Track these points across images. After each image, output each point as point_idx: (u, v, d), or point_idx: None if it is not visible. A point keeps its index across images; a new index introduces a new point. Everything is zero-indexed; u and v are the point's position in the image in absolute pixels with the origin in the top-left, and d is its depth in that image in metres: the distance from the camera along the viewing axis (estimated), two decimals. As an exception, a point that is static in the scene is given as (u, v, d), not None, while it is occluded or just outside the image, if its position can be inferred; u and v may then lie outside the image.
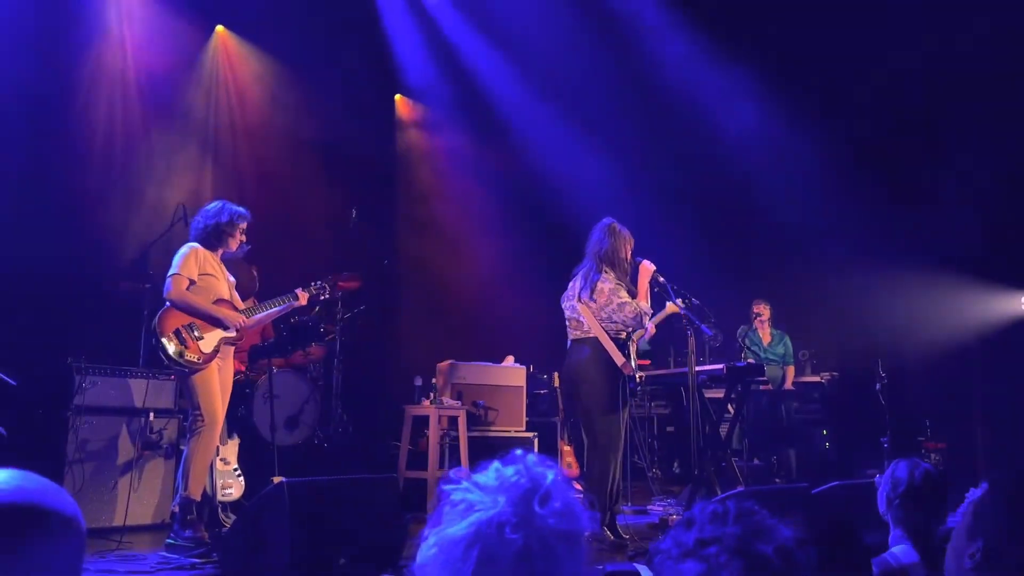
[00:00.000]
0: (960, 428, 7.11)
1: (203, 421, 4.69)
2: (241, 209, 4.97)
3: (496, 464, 1.16)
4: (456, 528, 1.10)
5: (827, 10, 7.41)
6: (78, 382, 5.25)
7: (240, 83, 7.29)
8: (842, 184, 8.02)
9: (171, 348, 4.63)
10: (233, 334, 4.86)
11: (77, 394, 5.21)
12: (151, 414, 5.46)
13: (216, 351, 4.75)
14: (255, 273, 6.03)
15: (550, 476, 1.14)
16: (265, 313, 5.10)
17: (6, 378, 3.48)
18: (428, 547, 1.13)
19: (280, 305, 5.11)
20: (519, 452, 1.18)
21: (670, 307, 5.53)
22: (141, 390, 5.47)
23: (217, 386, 4.77)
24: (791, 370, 7.88)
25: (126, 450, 5.39)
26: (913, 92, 7.84)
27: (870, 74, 7.97)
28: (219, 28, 7.44)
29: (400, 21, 8.29)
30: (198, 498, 4.75)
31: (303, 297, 5.14)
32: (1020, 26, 6.94)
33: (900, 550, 2.73)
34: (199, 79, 7.00)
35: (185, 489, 4.68)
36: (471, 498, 1.12)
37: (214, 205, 4.95)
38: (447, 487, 1.16)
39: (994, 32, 7.11)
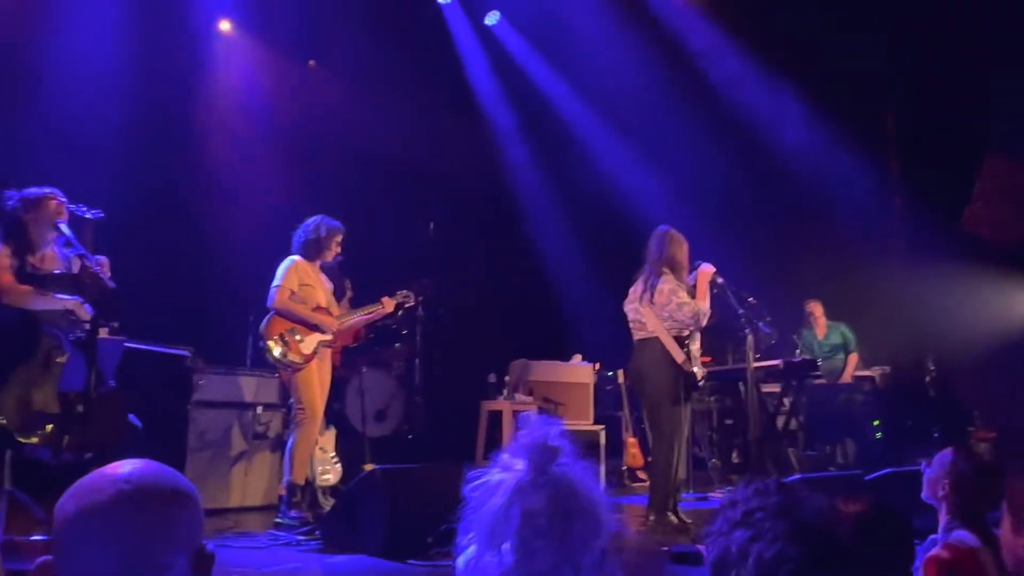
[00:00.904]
0: (1009, 419, 6.87)
1: (304, 414, 4.94)
2: (336, 223, 5.17)
3: (504, 456, 1.21)
4: (491, 501, 1.17)
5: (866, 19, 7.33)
6: (196, 380, 5.53)
7: (330, 109, 7.54)
8: (887, 180, 7.87)
9: (276, 351, 4.89)
10: (329, 337, 5.08)
11: (195, 391, 5.50)
12: (259, 408, 5.67)
13: (315, 352, 4.98)
14: (348, 284, 6.25)
15: (552, 432, 1.21)
16: (356, 319, 5.34)
17: (176, 351, 3.65)
18: (469, 540, 1.20)
19: (369, 312, 5.34)
20: (530, 415, 1.27)
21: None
22: (250, 386, 5.70)
23: (317, 383, 5.01)
24: (853, 358, 7.60)
25: (238, 440, 5.63)
26: (954, 87, 7.62)
27: (909, 72, 7.80)
28: (311, 62, 7.75)
29: (469, 44, 8.46)
30: (302, 482, 4.99)
31: (389, 304, 5.36)
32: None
33: (959, 536, 2.71)
34: (295, 107, 7.26)
35: (290, 474, 4.92)
36: (492, 480, 1.20)
37: (313, 220, 5.13)
38: (467, 490, 1.22)
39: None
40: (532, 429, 1.20)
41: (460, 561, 1.20)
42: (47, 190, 3.70)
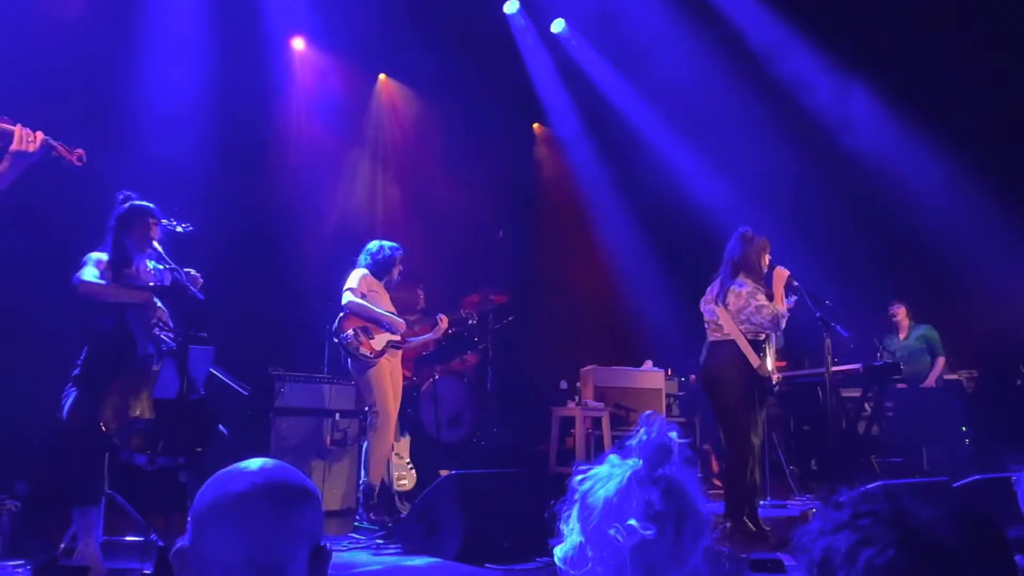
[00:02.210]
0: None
1: (378, 417, 5.09)
2: (395, 245, 5.41)
3: (611, 456, 1.27)
4: (605, 490, 1.22)
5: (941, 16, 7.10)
6: (277, 388, 5.73)
7: (400, 121, 7.70)
8: (974, 181, 7.58)
9: (349, 335, 5.12)
10: (397, 338, 5.27)
11: (277, 398, 5.70)
12: (337, 415, 5.84)
13: (384, 350, 5.18)
14: (420, 293, 6.37)
15: (669, 433, 1.26)
16: (419, 340, 5.58)
17: (239, 387, 3.84)
18: (571, 530, 1.26)
19: (428, 334, 5.58)
20: (648, 414, 1.31)
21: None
22: (328, 394, 5.88)
23: (389, 385, 5.18)
24: (940, 361, 7.38)
25: (317, 445, 5.81)
26: None
27: (993, 69, 7.50)
28: (381, 76, 7.93)
29: (537, 55, 8.51)
30: (377, 484, 5.12)
31: (444, 322, 5.56)
32: None
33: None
34: (369, 120, 7.44)
35: (367, 476, 5.07)
36: (602, 472, 1.25)
37: (373, 245, 5.40)
38: (575, 479, 1.29)
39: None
40: (651, 429, 1.25)
41: (560, 551, 1.25)
42: (146, 205, 3.89)
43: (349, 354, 5.17)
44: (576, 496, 1.26)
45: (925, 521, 1.27)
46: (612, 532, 1.17)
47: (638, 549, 1.17)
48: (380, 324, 5.20)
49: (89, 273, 3.70)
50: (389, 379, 5.19)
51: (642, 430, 1.26)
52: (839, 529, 1.28)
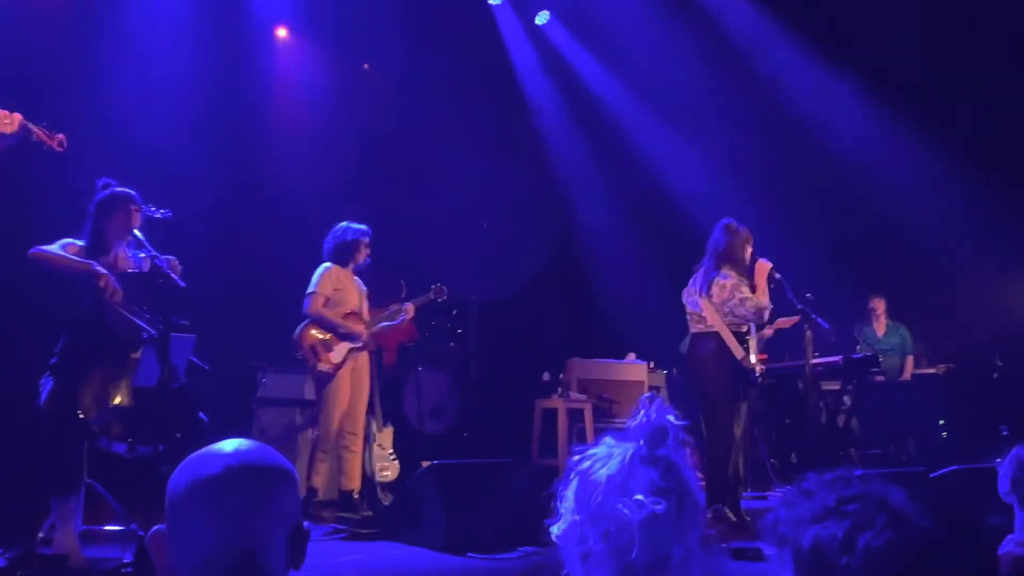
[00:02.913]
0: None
1: (320, 430, 5.14)
2: (362, 227, 5.29)
3: (607, 439, 1.27)
4: (607, 468, 1.23)
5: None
6: (259, 378, 5.69)
7: (384, 110, 7.64)
8: (951, 179, 7.67)
9: (308, 362, 5.13)
10: (359, 344, 5.21)
11: (259, 388, 5.66)
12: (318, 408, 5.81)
13: (345, 360, 5.13)
14: (404, 284, 6.33)
15: (670, 417, 1.26)
16: (383, 326, 5.44)
17: (199, 362, 3.78)
18: (566, 480, 1.27)
19: (395, 319, 5.46)
20: (648, 396, 1.31)
21: (782, 321, 5.48)
22: (309, 385, 5.83)
23: (343, 400, 5.12)
24: (910, 360, 7.54)
25: (298, 435, 5.78)
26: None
27: (976, 73, 7.58)
28: (365, 66, 7.88)
29: (520, 44, 8.50)
30: (319, 488, 5.15)
31: (410, 309, 5.50)
32: None
33: (1024, 534, 2.67)
34: (350, 110, 7.38)
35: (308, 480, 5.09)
36: (601, 452, 1.25)
37: (339, 226, 5.29)
38: (575, 456, 1.29)
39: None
40: (651, 411, 1.26)
41: (557, 529, 1.25)
42: (127, 192, 3.83)
43: (307, 369, 5.18)
44: (573, 475, 1.26)
45: (900, 502, 1.29)
46: (620, 507, 1.18)
47: (646, 523, 1.18)
48: (338, 335, 5.12)
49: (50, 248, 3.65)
50: (347, 389, 5.12)
51: (642, 412, 1.26)
52: (826, 517, 1.28)
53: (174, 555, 1.23)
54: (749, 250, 5.18)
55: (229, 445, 1.25)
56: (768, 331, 5.62)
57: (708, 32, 7.92)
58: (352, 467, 5.18)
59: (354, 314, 5.23)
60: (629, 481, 1.20)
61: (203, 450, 1.25)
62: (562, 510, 1.26)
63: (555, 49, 8.57)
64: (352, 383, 5.17)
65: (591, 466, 1.24)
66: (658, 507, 1.17)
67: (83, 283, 3.67)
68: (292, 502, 1.26)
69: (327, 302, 5.13)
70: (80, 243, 3.75)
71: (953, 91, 7.91)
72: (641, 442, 1.23)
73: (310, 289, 5.12)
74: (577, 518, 1.22)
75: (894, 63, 7.70)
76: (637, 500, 1.17)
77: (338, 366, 5.10)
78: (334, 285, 5.16)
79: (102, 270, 3.61)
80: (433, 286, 5.62)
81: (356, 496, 5.15)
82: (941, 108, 7.88)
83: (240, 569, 1.19)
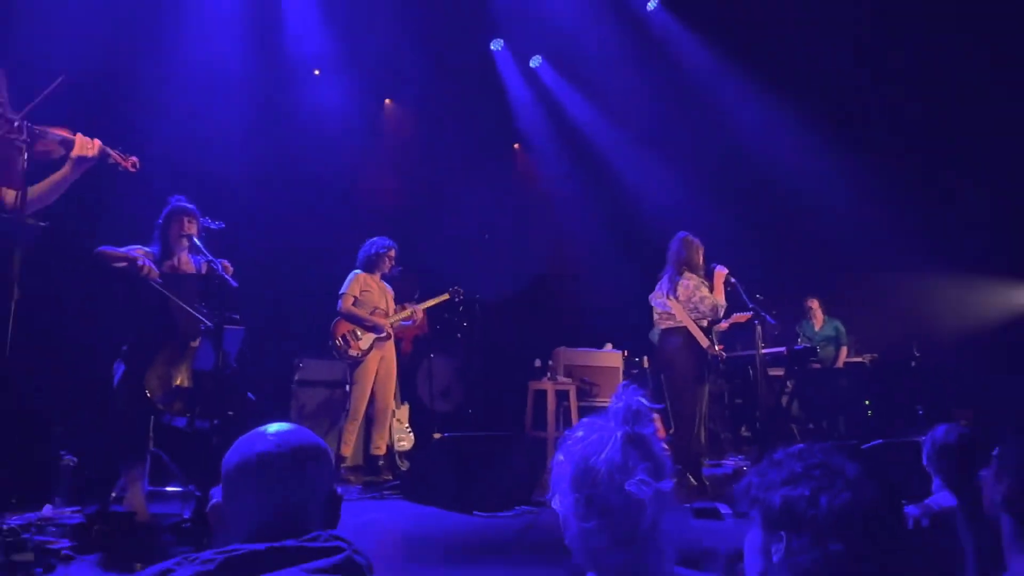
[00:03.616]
0: (984, 397, 6.64)
1: (351, 405, 5.15)
2: (387, 242, 5.35)
3: (588, 421, 1.27)
4: (586, 443, 1.23)
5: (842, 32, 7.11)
6: (296, 363, 5.65)
7: (404, 140, 7.61)
8: (875, 198, 7.68)
9: (339, 348, 5.18)
10: (383, 335, 5.25)
11: (296, 372, 5.63)
12: (348, 387, 5.78)
13: (371, 347, 5.19)
14: (416, 288, 6.31)
15: (641, 400, 1.26)
16: (400, 320, 5.45)
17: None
18: (562, 462, 1.24)
19: (408, 319, 5.49)
20: (625, 384, 1.31)
21: (738, 317, 5.50)
22: (340, 369, 5.81)
23: (372, 378, 5.18)
24: (843, 351, 7.52)
25: (331, 412, 5.74)
26: (933, 105, 7.40)
27: (891, 90, 7.56)
28: (387, 101, 7.86)
29: (515, 82, 8.48)
30: (347, 456, 5.15)
31: (419, 312, 5.55)
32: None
33: (941, 497, 2.67)
34: (379, 137, 7.33)
35: (338, 448, 5.10)
36: (591, 438, 1.24)
37: (370, 240, 5.36)
38: (568, 433, 1.29)
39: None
40: (629, 397, 1.25)
41: (558, 504, 1.24)
42: (185, 206, 3.82)
43: (340, 356, 5.21)
44: (568, 459, 1.25)
45: (854, 470, 1.30)
46: (628, 487, 1.17)
47: (654, 498, 1.17)
48: (364, 327, 5.19)
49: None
50: (373, 374, 5.19)
51: (623, 398, 1.25)
52: (795, 480, 1.28)
53: (232, 523, 1.23)
54: (702, 257, 5.21)
55: (272, 428, 1.26)
56: (724, 325, 5.61)
57: (672, 71, 7.94)
58: (381, 437, 5.21)
59: (380, 311, 5.26)
60: (630, 462, 1.19)
61: (251, 432, 1.26)
62: (560, 489, 1.24)
63: (545, 86, 8.57)
64: (382, 367, 5.23)
65: (585, 453, 1.23)
66: (663, 483, 1.17)
67: (149, 285, 3.65)
68: (326, 473, 1.27)
69: (355, 301, 5.19)
70: (147, 249, 3.74)
71: (875, 117, 7.90)
72: (627, 424, 1.23)
73: (341, 291, 5.21)
74: (578, 496, 1.21)
75: (825, 94, 7.70)
76: (642, 479, 1.17)
77: (365, 352, 5.15)
78: (361, 288, 5.24)
79: (142, 257, 3.58)
80: (451, 288, 5.69)
81: (381, 463, 5.14)
82: (865, 134, 7.88)
83: (285, 530, 1.19)
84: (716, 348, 5.09)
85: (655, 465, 1.19)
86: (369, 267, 5.29)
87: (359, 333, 5.19)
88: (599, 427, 1.24)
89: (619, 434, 1.21)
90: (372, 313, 5.22)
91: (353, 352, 5.15)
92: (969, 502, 2.55)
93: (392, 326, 5.34)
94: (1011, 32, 6.55)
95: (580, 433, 1.25)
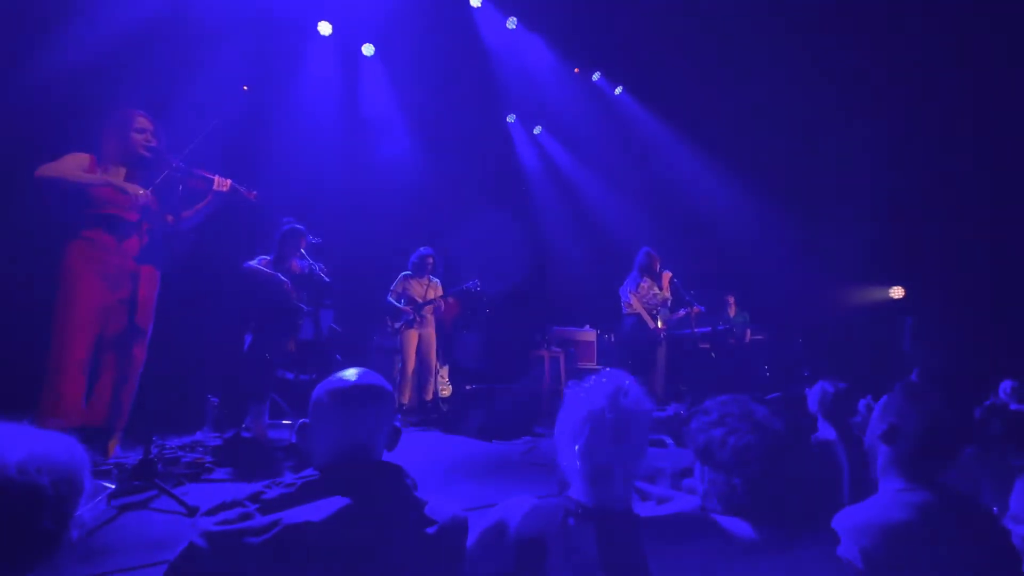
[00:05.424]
0: (851, 363, 6.51)
1: (402, 363, 5.03)
2: (427, 249, 5.15)
3: (590, 380, 1.19)
4: (575, 415, 1.15)
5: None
6: (370, 335, 5.58)
7: (437, 175, 7.40)
8: (777, 220, 7.57)
9: (389, 325, 5.07)
10: (411, 318, 5.09)
11: (371, 341, 5.56)
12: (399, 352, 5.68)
13: (402, 326, 5.02)
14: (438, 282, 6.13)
15: (627, 381, 1.17)
16: (433, 306, 5.20)
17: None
18: (559, 422, 1.17)
19: (438, 307, 5.23)
20: (609, 370, 1.23)
21: (685, 312, 5.39)
22: (395, 340, 5.72)
23: (412, 345, 5.02)
24: (748, 332, 7.44)
25: (393, 367, 5.62)
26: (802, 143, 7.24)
27: (784, 143, 7.40)
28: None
29: (524, 148, 8.36)
30: (405, 400, 5.04)
31: (441, 303, 5.24)
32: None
33: (824, 432, 2.60)
34: (421, 175, 7.00)
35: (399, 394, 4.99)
36: (581, 397, 1.17)
37: (415, 251, 5.16)
38: (567, 392, 1.21)
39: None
40: (616, 378, 1.17)
41: (560, 458, 1.16)
42: (297, 227, 3.76)
43: (389, 331, 5.12)
44: (567, 403, 1.17)
45: (763, 416, 1.23)
46: (623, 403, 1.09)
47: (644, 414, 1.12)
48: (398, 312, 5.08)
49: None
50: (413, 345, 5.01)
51: (604, 380, 1.18)
52: (714, 425, 1.22)
53: (315, 440, 1.17)
54: (658, 265, 5.15)
55: (351, 372, 1.21)
56: (681, 313, 5.49)
57: (632, 132, 7.83)
58: (428, 388, 5.13)
59: (414, 302, 5.13)
60: (623, 391, 1.11)
61: (335, 374, 1.20)
62: (558, 438, 1.15)
63: (543, 146, 8.48)
64: (423, 340, 5.10)
65: (574, 406, 1.14)
66: (668, 439, 1.11)
67: (271, 283, 3.61)
68: (390, 409, 1.21)
69: (398, 295, 5.09)
70: (267, 257, 3.71)
71: (772, 164, 7.75)
72: (601, 397, 1.13)
73: (391, 287, 5.13)
74: (580, 446, 1.11)
75: (738, 149, 7.60)
76: (658, 438, 1.11)
77: (398, 330, 5.04)
78: (403, 285, 5.12)
79: (283, 278, 3.58)
80: (476, 280, 5.53)
81: (428, 405, 5.07)
82: (765, 177, 7.75)
83: (357, 451, 1.13)
84: (660, 326, 5.01)
85: (644, 394, 1.13)
86: (414, 271, 5.18)
87: (398, 316, 5.08)
88: (587, 402, 1.16)
89: (601, 409, 1.13)
90: (409, 303, 5.11)
91: (396, 326, 5.05)
92: (844, 436, 2.48)
93: (426, 310, 5.21)
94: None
95: (570, 402, 1.18)
